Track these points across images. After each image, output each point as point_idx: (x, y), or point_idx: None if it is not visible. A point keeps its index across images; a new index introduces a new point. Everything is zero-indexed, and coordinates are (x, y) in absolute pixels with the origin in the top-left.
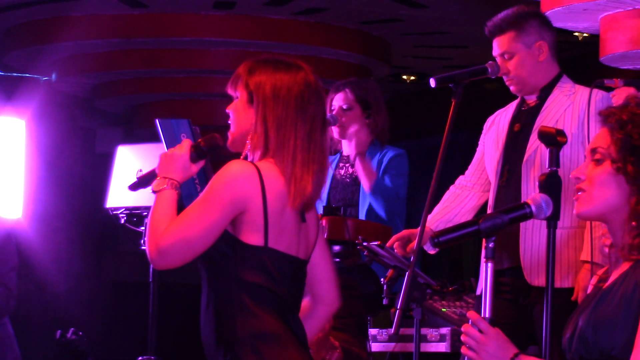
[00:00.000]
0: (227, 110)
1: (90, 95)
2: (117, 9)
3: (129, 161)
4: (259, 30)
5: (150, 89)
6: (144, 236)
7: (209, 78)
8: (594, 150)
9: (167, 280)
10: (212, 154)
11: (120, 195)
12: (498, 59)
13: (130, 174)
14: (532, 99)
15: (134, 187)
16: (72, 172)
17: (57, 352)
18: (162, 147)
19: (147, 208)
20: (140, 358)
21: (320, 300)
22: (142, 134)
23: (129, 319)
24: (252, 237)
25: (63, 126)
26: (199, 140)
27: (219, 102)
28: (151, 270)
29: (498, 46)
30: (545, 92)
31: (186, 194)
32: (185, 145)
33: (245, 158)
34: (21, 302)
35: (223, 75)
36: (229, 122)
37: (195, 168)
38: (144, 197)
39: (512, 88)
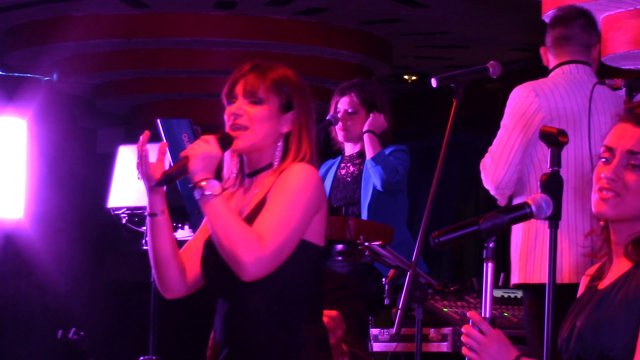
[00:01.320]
0: (234, 113)
1: (92, 95)
2: (119, 9)
3: (131, 161)
4: (260, 30)
5: (152, 89)
6: (145, 237)
7: (210, 78)
8: (633, 154)
9: None
10: (228, 149)
11: (121, 195)
12: None
13: (132, 174)
14: None
15: (161, 183)
16: (74, 172)
17: (58, 352)
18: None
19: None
20: (141, 358)
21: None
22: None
23: (130, 319)
24: (320, 238)
25: (64, 126)
26: (218, 135)
27: (220, 102)
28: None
29: None
30: None
31: (187, 195)
32: (213, 143)
33: (269, 166)
34: (22, 302)
35: (224, 75)
36: (238, 123)
37: None
38: (145, 197)
39: None
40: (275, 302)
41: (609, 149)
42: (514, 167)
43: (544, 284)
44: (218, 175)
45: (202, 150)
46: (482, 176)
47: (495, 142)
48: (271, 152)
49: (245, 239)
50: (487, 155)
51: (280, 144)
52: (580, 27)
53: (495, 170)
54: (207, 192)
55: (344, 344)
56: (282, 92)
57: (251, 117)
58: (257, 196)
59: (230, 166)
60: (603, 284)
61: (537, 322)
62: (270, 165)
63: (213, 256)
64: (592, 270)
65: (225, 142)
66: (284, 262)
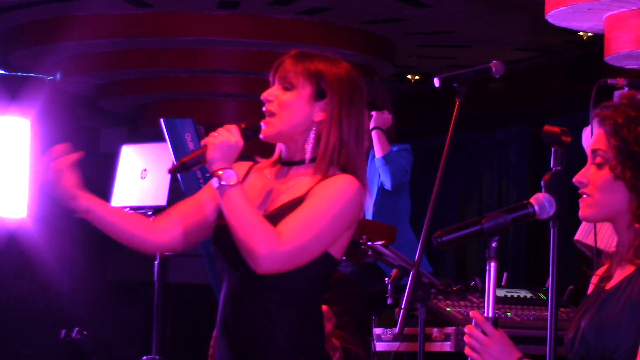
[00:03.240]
0: (266, 98)
1: (95, 94)
2: (122, 9)
3: (134, 161)
4: (263, 29)
5: (155, 88)
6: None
7: (213, 78)
8: (594, 152)
9: (171, 280)
10: (253, 139)
11: (124, 194)
12: None
13: (135, 173)
14: None
15: (175, 170)
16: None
17: (61, 351)
18: (166, 146)
19: (152, 207)
20: (144, 358)
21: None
22: (146, 134)
23: (133, 319)
24: (340, 252)
25: (67, 126)
26: (242, 124)
27: (223, 101)
28: (155, 269)
29: None
30: None
31: (186, 188)
32: (235, 132)
33: (302, 161)
34: (25, 301)
35: (227, 75)
36: (267, 109)
37: None
38: (148, 197)
39: None
40: (282, 303)
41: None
42: None
43: None
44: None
45: (221, 139)
46: None
47: None
48: (303, 141)
49: (261, 231)
50: None
51: (312, 134)
52: None
53: None
54: (223, 182)
55: (334, 339)
56: (314, 78)
57: (280, 103)
58: (294, 192)
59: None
60: (610, 284)
61: None
62: (303, 161)
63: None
64: (601, 270)
65: (251, 131)
66: (302, 267)
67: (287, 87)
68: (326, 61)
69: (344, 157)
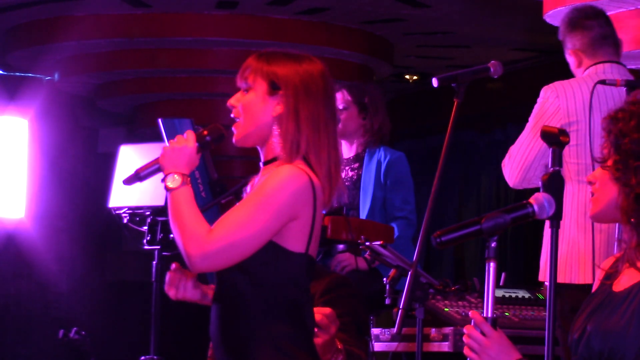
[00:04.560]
0: (231, 104)
1: (93, 94)
2: (120, 9)
3: (132, 161)
4: (261, 29)
5: (153, 88)
6: (147, 236)
7: (211, 78)
8: (602, 152)
9: None
10: (216, 144)
11: (122, 194)
12: None
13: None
14: None
15: (130, 180)
16: (75, 171)
17: (59, 351)
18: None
19: (150, 207)
20: (142, 358)
21: None
22: (144, 134)
23: (131, 319)
24: (296, 244)
25: (66, 126)
26: (202, 130)
27: (221, 101)
28: (154, 269)
29: None
30: None
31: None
32: (190, 137)
33: (275, 159)
34: (24, 301)
35: (226, 75)
36: (233, 115)
37: (197, 160)
38: (146, 197)
39: None
40: (249, 303)
41: None
42: (531, 167)
43: None
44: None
45: (172, 145)
46: (504, 174)
47: (516, 141)
48: (270, 138)
49: (192, 232)
50: (507, 154)
51: (275, 130)
52: (612, 26)
53: (511, 169)
54: (167, 185)
55: (338, 341)
56: (266, 74)
57: (242, 106)
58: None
59: None
60: (617, 284)
61: None
62: (275, 159)
63: None
64: (607, 264)
65: (212, 136)
66: (245, 261)
67: (247, 89)
68: (284, 57)
69: (303, 148)
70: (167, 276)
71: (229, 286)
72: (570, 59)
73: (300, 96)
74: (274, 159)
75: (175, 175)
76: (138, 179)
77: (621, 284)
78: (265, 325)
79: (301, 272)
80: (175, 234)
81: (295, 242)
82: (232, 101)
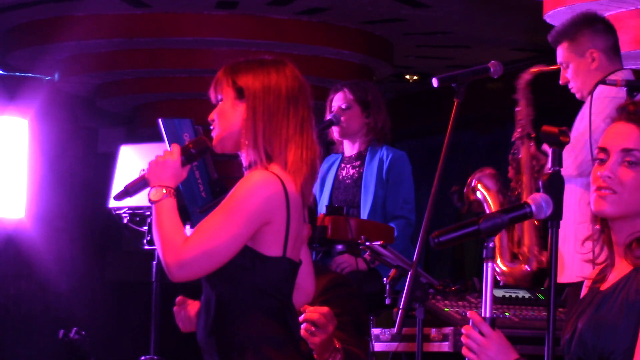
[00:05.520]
0: (210, 118)
1: (93, 95)
2: (120, 9)
3: (132, 161)
4: (261, 30)
5: (153, 88)
6: (147, 236)
7: (211, 78)
8: (627, 151)
9: (169, 280)
10: (202, 156)
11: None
12: (562, 68)
13: (133, 173)
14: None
15: (120, 196)
16: (75, 171)
17: (59, 351)
18: (164, 146)
19: (150, 208)
20: (142, 358)
21: (298, 290)
22: (144, 134)
23: (131, 319)
24: (272, 248)
25: (66, 126)
26: (187, 143)
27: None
28: (154, 270)
29: (558, 56)
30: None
31: (189, 195)
32: (175, 151)
33: (250, 165)
34: (24, 302)
35: None
36: (212, 127)
37: (185, 173)
38: (146, 197)
39: (576, 95)
40: (222, 305)
41: (603, 150)
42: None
43: None
44: None
45: (158, 160)
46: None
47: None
48: (243, 143)
49: (170, 241)
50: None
51: (243, 134)
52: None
53: (571, 155)
54: (150, 198)
55: (337, 340)
56: (231, 81)
57: (217, 115)
58: None
59: None
60: (605, 285)
61: None
62: (250, 165)
63: None
64: (593, 274)
65: (196, 149)
66: (223, 268)
67: (219, 100)
68: (247, 64)
69: (268, 147)
70: (175, 311)
71: (212, 294)
72: (584, 56)
73: (258, 95)
74: (250, 165)
75: (160, 188)
76: (128, 195)
77: (608, 282)
78: (247, 331)
79: (282, 276)
80: (156, 245)
81: (271, 246)
82: (211, 116)
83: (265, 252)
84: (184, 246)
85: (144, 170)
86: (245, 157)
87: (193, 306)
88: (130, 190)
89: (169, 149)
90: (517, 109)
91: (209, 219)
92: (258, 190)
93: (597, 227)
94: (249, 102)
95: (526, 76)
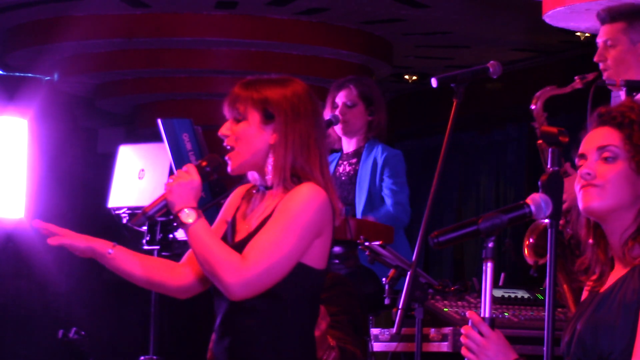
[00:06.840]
0: (223, 133)
1: (93, 95)
2: (119, 9)
3: (131, 161)
4: (260, 30)
5: (152, 88)
6: (147, 237)
7: (210, 78)
8: (602, 148)
9: None
10: (215, 173)
11: (122, 195)
12: (600, 44)
13: (132, 173)
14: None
15: (138, 220)
16: (74, 172)
17: (58, 351)
18: (164, 147)
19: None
20: (142, 358)
21: None
22: (144, 134)
23: (130, 319)
24: (319, 261)
25: (65, 126)
26: (200, 162)
27: (221, 102)
28: None
29: (604, 32)
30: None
31: None
32: (193, 171)
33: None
34: (23, 302)
35: (225, 75)
36: (227, 144)
37: (201, 192)
38: (145, 197)
39: (605, 74)
40: (267, 322)
41: (582, 156)
42: None
43: None
44: None
45: (177, 181)
46: None
47: None
48: (267, 165)
49: (226, 260)
50: None
51: (271, 158)
52: None
53: None
54: (183, 221)
55: (330, 337)
56: (259, 104)
57: (236, 136)
58: (265, 212)
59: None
60: (604, 287)
61: None
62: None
63: None
64: (592, 279)
65: (211, 167)
66: (277, 284)
67: (239, 119)
68: (270, 84)
69: (299, 171)
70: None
71: (244, 317)
72: (635, 45)
73: (289, 122)
74: (273, 185)
75: (191, 210)
76: (148, 218)
77: (606, 285)
78: (277, 339)
79: (319, 288)
80: (206, 267)
81: (319, 259)
82: (224, 131)
83: (314, 264)
84: (244, 264)
85: (143, 170)
86: (269, 179)
87: (71, 237)
88: (149, 213)
89: (168, 149)
90: (538, 142)
91: (265, 234)
92: (311, 202)
93: (590, 241)
94: (279, 127)
95: (539, 103)
